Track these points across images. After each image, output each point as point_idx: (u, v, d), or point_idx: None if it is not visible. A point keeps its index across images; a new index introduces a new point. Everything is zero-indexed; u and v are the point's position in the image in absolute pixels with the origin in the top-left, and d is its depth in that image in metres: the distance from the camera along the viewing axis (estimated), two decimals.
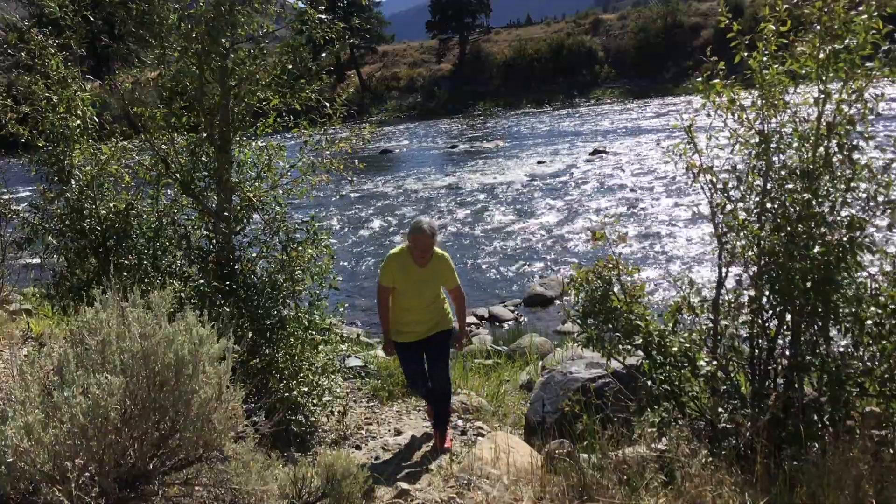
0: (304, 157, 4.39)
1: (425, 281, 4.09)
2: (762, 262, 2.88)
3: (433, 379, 4.32)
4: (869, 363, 2.66)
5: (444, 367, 4.32)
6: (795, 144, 2.84)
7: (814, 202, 2.70)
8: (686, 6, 44.11)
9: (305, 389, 4.23)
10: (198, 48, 3.92)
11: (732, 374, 3.00)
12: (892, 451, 2.51)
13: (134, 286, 2.22)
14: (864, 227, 2.67)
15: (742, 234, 2.93)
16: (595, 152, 21.26)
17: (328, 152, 4.40)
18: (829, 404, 2.74)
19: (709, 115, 2.99)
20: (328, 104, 4.24)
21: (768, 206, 2.86)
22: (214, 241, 4.23)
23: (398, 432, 4.82)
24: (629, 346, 3.10)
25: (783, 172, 2.84)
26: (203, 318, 2.16)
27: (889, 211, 2.67)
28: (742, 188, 2.95)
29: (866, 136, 2.71)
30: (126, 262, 4.33)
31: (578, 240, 12.54)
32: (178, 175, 4.18)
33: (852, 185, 2.72)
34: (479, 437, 4.63)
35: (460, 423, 5.02)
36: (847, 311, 2.71)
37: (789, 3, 2.79)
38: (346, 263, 12.23)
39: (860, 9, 2.64)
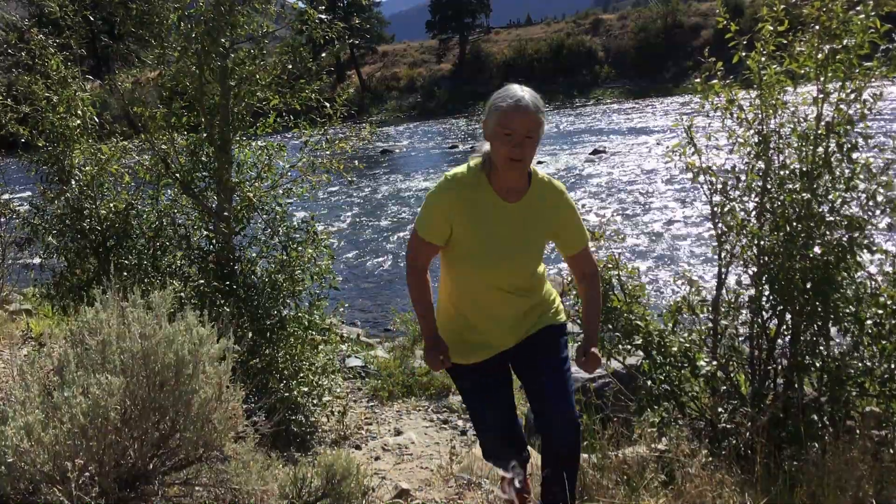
0: (304, 157, 4.39)
1: (521, 230, 2.22)
2: (762, 262, 2.88)
3: (544, 413, 2.30)
4: (869, 363, 2.66)
5: (562, 385, 2.28)
6: (795, 144, 2.84)
7: (813, 202, 2.70)
8: (686, 6, 44.10)
9: (305, 389, 4.23)
10: (198, 48, 3.92)
11: (732, 374, 3.00)
12: (892, 451, 2.51)
13: (134, 286, 2.22)
14: (863, 227, 2.67)
15: (742, 234, 2.93)
16: (595, 152, 21.25)
17: (328, 152, 4.40)
18: (829, 404, 2.74)
19: (708, 116, 2.99)
20: (328, 104, 4.25)
21: (768, 206, 2.87)
22: (214, 241, 4.23)
23: (398, 432, 4.83)
24: (629, 346, 3.10)
25: (783, 172, 2.84)
26: (203, 318, 2.16)
27: (889, 211, 2.67)
28: (742, 188, 2.95)
29: (865, 135, 2.72)
30: (126, 262, 4.33)
31: None
32: (178, 175, 4.18)
33: (851, 184, 2.72)
34: None
35: (460, 423, 5.02)
36: (847, 311, 2.71)
37: (787, 3, 2.79)
38: (345, 263, 12.24)
39: (858, 8, 2.64)
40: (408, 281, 2.35)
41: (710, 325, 3.04)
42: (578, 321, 3.20)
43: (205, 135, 4.15)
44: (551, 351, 2.35)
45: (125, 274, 4.18)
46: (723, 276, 3.03)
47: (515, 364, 2.42)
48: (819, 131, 2.75)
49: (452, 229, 2.21)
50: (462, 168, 2.24)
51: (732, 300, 3.01)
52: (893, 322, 2.62)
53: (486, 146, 2.18)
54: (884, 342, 2.63)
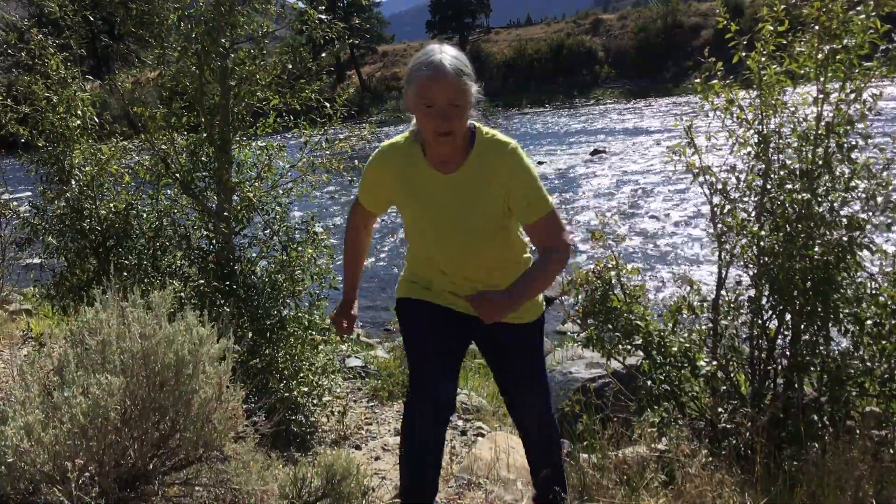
0: (304, 157, 4.39)
1: (464, 205, 1.99)
2: (762, 262, 2.88)
3: (515, 405, 2.26)
4: (869, 363, 2.66)
5: (537, 385, 2.21)
6: (795, 144, 2.84)
7: (813, 202, 2.70)
8: (686, 6, 44.12)
9: (305, 389, 4.23)
10: (198, 48, 3.92)
11: (732, 375, 3.00)
12: (892, 451, 2.51)
13: (134, 286, 2.22)
14: (863, 228, 2.67)
15: (742, 234, 2.93)
16: (595, 152, 21.25)
17: (328, 152, 4.40)
18: (829, 404, 2.74)
19: (708, 116, 3.00)
20: (328, 104, 4.25)
21: (768, 206, 2.87)
22: (214, 241, 4.23)
23: (398, 432, 4.83)
24: (629, 346, 3.10)
25: (782, 172, 2.84)
26: (203, 318, 2.16)
27: (889, 211, 2.67)
28: (741, 188, 2.95)
29: (865, 135, 2.72)
30: (126, 262, 4.33)
31: (578, 240, 12.54)
32: (178, 175, 4.18)
33: (851, 184, 2.72)
34: (479, 437, 4.62)
35: (460, 423, 5.03)
36: (847, 311, 2.71)
37: (787, 4, 2.79)
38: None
39: (858, 8, 2.64)
40: (345, 241, 2.31)
41: (710, 325, 3.04)
42: (579, 321, 3.20)
43: (205, 135, 4.15)
44: (523, 344, 2.20)
45: (125, 274, 4.18)
46: (723, 277, 3.03)
47: (481, 343, 2.24)
48: (819, 131, 2.75)
49: (385, 196, 2.14)
50: (398, 138, 2.08)
51: (732, 300, 3.01)
52: (893, 322, 2.62)
53: (414, 118, 2.00)
54: (884, 342, 2.63)
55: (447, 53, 1.88)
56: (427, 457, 2.09)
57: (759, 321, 2.92)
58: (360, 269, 2.31)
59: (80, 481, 1.79)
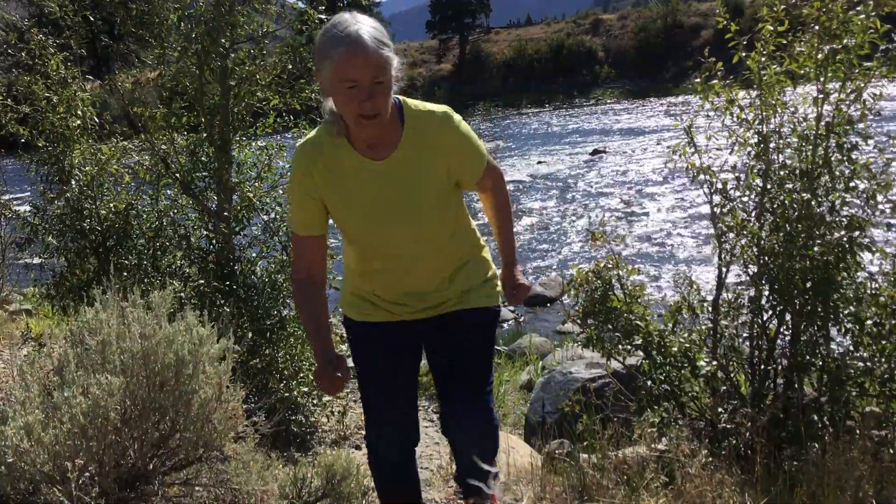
0: None
1: (403, 192, 1.78)
2: (762, 262, 2.88)
3: (451, 415, 1.94)
4: (869, 363, 2.66)
5: (477, 379, 1.94)
6: (794, 144, 2.84)
7: (813, 202, 2.70)
8: (686, 6, 44.12)
9: (305, 389, 4.24)
10: (198, 48, 3.92)
11: (732, 375, 3.00)
12: (892, 451, 2.51)
13: (134, 286, 2.22)
14: (864, 228, 2.67)
15: (742, 234, 2.93)
16: (595, 152, 21.25)
17: None
18: (829, 404, 2.74)
19: (708, 116, 3.00)
20: None
21: (768, 206, 2.87)
22: (214, 241, 4.23)
23: None
24: (629, 347, 3.10)
25: (782, 172, 2.84)
26: (203, 318, 2.16)
27: (889, 211, 2.67)
28: (741, 188, 2.95)
29: (864, 135, 2.72)
30: (126, 262, 4.33)
31: (578, 240, 12.53)
32: (178, 175, 4.18)
33: (851, 185, 2.72)
34: None
35: None
36: (847, 311, 2.71)
37: (787, 4, 2.79)
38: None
39: (858, 9, 2.64)
40: (293, 298, 1.96)
41: (710, 325, 3.04)
42: (578, 321, 3.20)
43: (205, 135, 4.15)
44: (471, 342, 1.92)
45: (125, 274, 4.18)
46: (723, 277, 3.03)
47: (427, 344, 2.00)
48: (819, 131, 2.75)
49: (320, 210, 1.80)
50: (312, 134, 1.83)
51: (732, 300, 3.01)
52: (893, 322, 2.62)
53: (330, 102, 1.74)
54: (884, 342, 2.63)
55: (364, 24, 1.62)
56: (401, 486, 2.05)
57: (759, 321, 2.92)
58: (326, 325, 1.85)
59: (80, 481, 1.79)
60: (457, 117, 1.82)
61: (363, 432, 4.73)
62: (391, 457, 2.01)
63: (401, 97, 1.79)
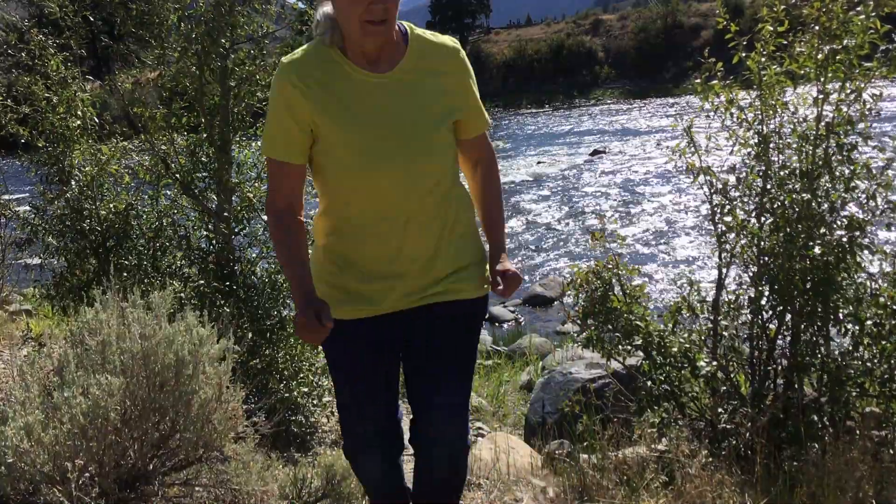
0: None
1: (403, 111, 1.59)
2: (762, 262, 2.88)
3: (422, 428, 1.79)
4: (869, 363, 2.66)
5: (455, 393, 1.77)
6: (794, 145, 2.84)
7: (813, 202, 2.70)
8: (686, 6, 44.12)
9: (305, 390, 4.24)
10: (198, 49, 3.92)
11: (732, 375, 3.00)
12: (892, 451, 2.51)
13: (134, 287, 2.22)
14: (864, 228, 2.67)
15: (742, 234, 2.93)
16: (595, 152, 21.26)
17: None
18: (829, 405, 2.74)
19: (708, 117, 3.00)
20: None
21: (768, 206, 2.87)
22: (214, 241, 4.23)
23: None
24: (629, 347, 3.10)
25: (782, 173, 2.85)
26: (203, 318, 2.16)
27: (889, 211, 2.67)
28: (741, 188, 2.95)
29: (864, 135, 2.72)
30: (126, 262, 4.33)
31: (578, 240, 12.54)
32: (178, 175, 4.18)
33: (851, 185, 2.72)
34: (479, 438, 4.62)
35: None
36: (847, 311, 2.71)
37: (787, 4, 2.80)
38: None
39: (858, 9, 2.64)
40: (271, 236, 1.71)
41: (710, 325, 3.04)
42: (578, 321, 3.20)
43: (205, 135, 4.15)
44: (455, 339, 1.71)
45: (125, 274, 4.18)
46: (723, 277, 3.03)
47: (400, 336, 1.72)
48: (819, 132, 2.75)
49: (312, 132, 1.55)
50: (299, 51, 1.59)
51: (732, 300, 3.01)
52: (893, 322, 2.62)
53: (327, 6, 1.55)
54: (884, 342, 2.63)
55: None
56: (390, 492, 1.88)
57: (759, 321, 2.92)
58: (307, 264, 1.60)
59: (80, 482, 1.78)
60: (464, 55, 1.67)
61: None
62: (375, 471, 1.83)
63: (405, 22, 1.64)
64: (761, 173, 2.89)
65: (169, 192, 4.61)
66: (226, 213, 4.13)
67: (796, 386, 2.81)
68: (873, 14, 2.61)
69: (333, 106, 1.54)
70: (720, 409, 2.89)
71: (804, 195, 2.71)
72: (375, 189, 1.57)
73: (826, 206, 2.74)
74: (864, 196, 2.71)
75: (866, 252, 2.68)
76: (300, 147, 1.57)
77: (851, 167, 2.71)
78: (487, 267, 1.75)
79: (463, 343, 1.74)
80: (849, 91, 2.69)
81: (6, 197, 4.79)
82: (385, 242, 1.61)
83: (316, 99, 1.53)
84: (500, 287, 1.62)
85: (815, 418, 2.74)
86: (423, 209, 1.61)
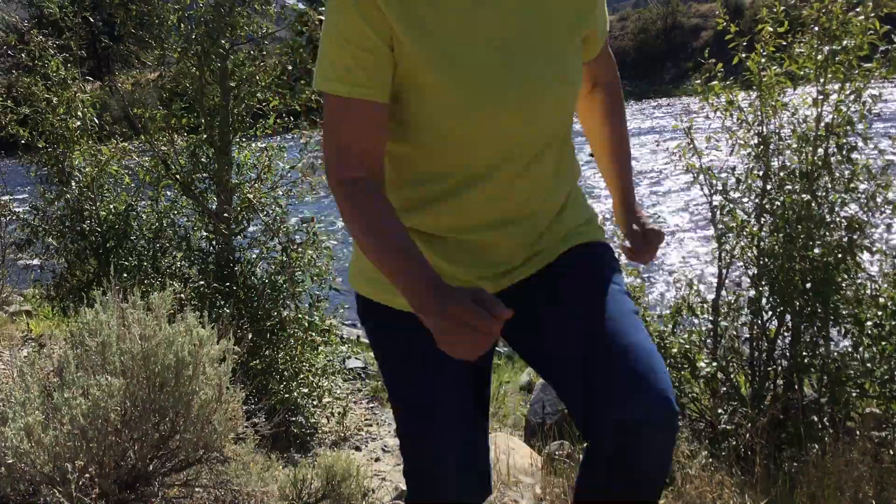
0: (305, 158, 4.40)
1: (530, 32, 1.03)
2: (762, 263, 2.88)
3: (603, 400, 0.99)
4: (869, 364, 2.66)
5: (635, 339, 1.02)
6: (794, 145, 2.84)
7: (813, 203, 2.71)
8: (686, 7, 44.14)
9: (305, 391, 4.24)
10: (198, 49, 3.93)
11: (732, 376, 3.00)
12: (892, 452, 2.51)
13: (134, 287, 2.22)
14: (863, 229, 2.67)
15: (741, 235, 2.93)
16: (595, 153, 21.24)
17: None
18: (829, 405, 2.74)
19: (708, 118, 3.00)
20: None
21: (767, 207, 2.87)
22: (214, 242, 4.24)
23: (396, 434, 4.82)
24: None
25: (782, 174, 2.85)
26: (203, 319, 2.16)
27: (889, 211, 2.68)
28: (741, 189, 2.95)
29: (864, 136, 2.72)
30: (126, 263, 4.34)
31: None
32: (178, 176, 4.18)
33: (851, 186, 2.72)
34: None
35: None
36: (847, 312, 2.71)
37: (787, 5, 2.80)
38: (345, 264, 12.22)
39: (858, 10, 2.64)
40: (342, 211, 1.11)
41: (710, 326, 3.04)
42: None
43: (205, 136, 4.15)
44: (600, 278, 1.15)
45: (125, 275, 4.18)
46: (723, 277, 3.03)
47: (514, 317, 0.94)
48: (819, 132, 2.75)
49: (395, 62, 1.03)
50: None
51: (732, 301, 3.01)
52: (893, 323, 2.62)
53: None
54: (884, 343, 2.63)
55: None
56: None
57: (759, 322, 2.92)
58: (412, 242, 1.02)
59: (80, 483, 1.79)
60: None
61: (363, 433, 4.74)
62: (460, 495, 1.19)
63: None
64: (761, 174, 2.89)
65: (169, 193, 4.61)
66: (225, 214, 4.13)
67: (796, 387, 2.81)
68: (872, 15, 2.62)
69: (424, 21, 1.01)
70: (720, 410, 2.89)
71: (804, 196, 2.71)
72: (476, 144, 1.07)
73: (826, 207, 2.74)
74: (863, 197, 2.71)
75: (866, 253, 2.68)
76: (382, 79, 1.03)
77: (851, 168, 2.72)
78: (595, 216, 1.32)
79: (616, 287, 1.15)
80: (848, 92, 2.69)
81: (6, 197, 4.79)
82: (479, 205, 1.12)
83: (402, 9, 1.01)
84: (641, 248, 1.20)
85: (815, 419, 2.74)
86: (530, 169, 1.12)
